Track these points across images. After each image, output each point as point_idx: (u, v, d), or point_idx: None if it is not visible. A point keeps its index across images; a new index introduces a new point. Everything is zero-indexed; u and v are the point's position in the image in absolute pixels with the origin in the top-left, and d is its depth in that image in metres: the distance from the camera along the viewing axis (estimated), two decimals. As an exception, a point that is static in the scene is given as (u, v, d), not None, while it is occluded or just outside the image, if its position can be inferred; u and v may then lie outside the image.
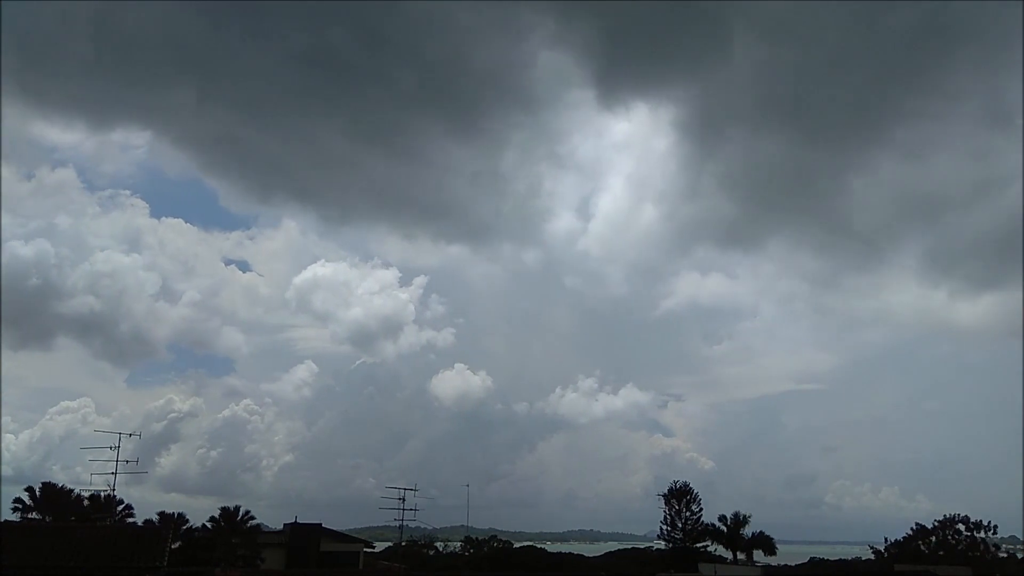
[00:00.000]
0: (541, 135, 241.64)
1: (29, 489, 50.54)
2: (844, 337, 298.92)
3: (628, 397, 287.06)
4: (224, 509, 48.09)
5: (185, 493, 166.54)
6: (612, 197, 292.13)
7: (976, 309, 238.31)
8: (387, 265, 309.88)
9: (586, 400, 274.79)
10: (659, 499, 63.41)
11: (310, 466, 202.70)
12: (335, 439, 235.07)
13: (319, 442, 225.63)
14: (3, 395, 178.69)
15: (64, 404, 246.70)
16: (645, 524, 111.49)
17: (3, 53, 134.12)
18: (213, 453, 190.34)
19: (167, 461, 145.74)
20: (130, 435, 45.31)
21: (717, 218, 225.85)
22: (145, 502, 50.98)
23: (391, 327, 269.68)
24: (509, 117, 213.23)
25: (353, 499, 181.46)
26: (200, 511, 48.99)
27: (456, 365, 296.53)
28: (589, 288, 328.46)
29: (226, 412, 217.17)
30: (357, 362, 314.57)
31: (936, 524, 58.80)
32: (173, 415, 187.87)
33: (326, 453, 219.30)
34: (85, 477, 44.17)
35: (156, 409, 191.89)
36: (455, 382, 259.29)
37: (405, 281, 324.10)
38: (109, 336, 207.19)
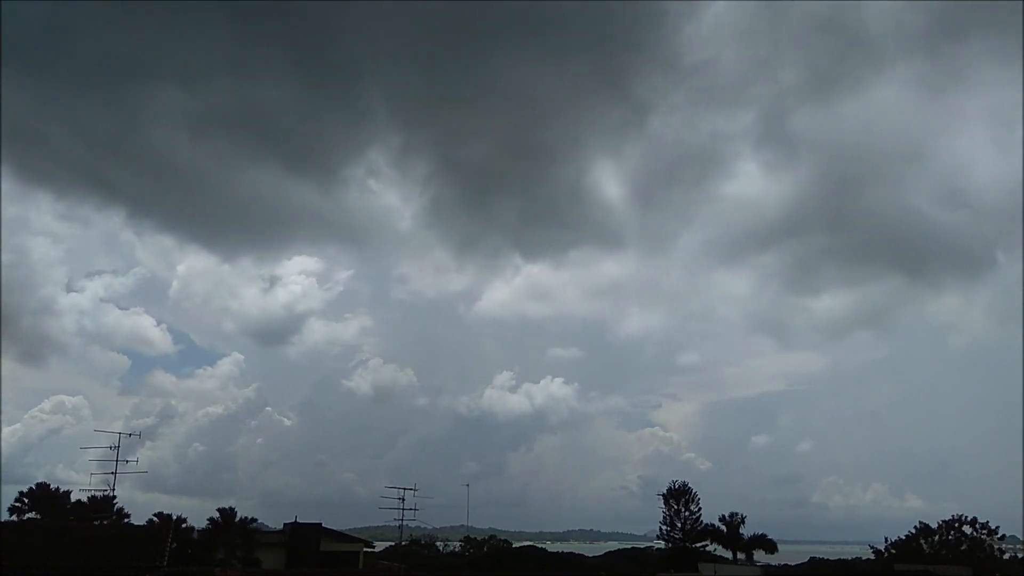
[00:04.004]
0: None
1: (37, 486, 50.62)
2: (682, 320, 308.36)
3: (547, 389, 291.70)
4: (222, 510, 48.12)
5: (166, 492, 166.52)
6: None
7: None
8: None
9: (504, 394, 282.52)
10: (659, 498, 63.65)
11: (282, 464, 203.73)
12: (298, 437, 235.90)
13: (289, 440, 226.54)
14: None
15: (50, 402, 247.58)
16: (645, 524, 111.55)
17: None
18: (190, 452, 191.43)
19: (142, 461, 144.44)
20: (129, 435, 45.49)
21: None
22: (128, 502, 50.91)
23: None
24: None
25: (323, 496, 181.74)
26: (181, 511, 48.76)
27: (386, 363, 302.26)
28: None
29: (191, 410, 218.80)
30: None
31: (939, 524, 58.82)
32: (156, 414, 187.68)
33: (293, 451, 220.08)
34: (63, 475, 44.43)
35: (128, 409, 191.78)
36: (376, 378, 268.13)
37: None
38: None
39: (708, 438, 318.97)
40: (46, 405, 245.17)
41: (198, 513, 48.50)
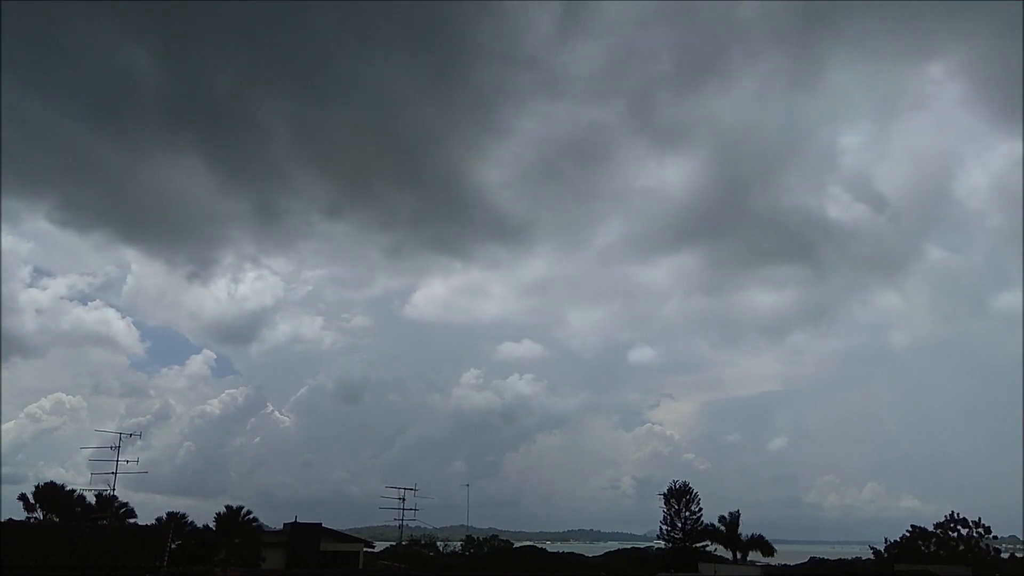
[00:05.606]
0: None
1: (45, 484, 50.46)
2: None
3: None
4: (228, 508, 48.12)
5: (157, 492, 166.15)
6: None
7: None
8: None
9: (472, 393, 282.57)
10: (659, 498, 63.64)
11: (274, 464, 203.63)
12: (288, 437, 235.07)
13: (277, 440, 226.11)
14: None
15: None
16: (645, 524, 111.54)
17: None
18: (181, 451, 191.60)
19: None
20: (130, 435, 45.41)
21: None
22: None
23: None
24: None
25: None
26: (174, 510, 48.68)
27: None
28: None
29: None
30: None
31: (937, 524, 58.80)
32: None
33: (282, 450, 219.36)
34: (55, 474, 44.22)
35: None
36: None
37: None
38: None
39: (704, 436, 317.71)
40: (44, 403, 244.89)
41: (191, 513, 48.46)
